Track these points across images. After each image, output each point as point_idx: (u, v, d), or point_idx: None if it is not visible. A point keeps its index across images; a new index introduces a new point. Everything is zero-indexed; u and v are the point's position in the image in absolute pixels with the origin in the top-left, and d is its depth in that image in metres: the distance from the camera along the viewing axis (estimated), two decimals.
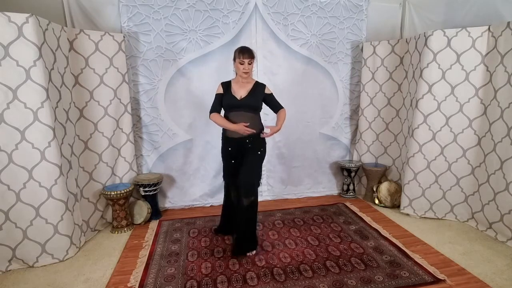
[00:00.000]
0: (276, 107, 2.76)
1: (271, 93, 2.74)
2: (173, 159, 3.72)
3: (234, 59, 2.60)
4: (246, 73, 2.57)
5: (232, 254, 2.70)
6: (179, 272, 2.49)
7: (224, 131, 2.70)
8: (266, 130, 2.67)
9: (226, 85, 2.68)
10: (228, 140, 2.67)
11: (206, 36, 3.52)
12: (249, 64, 2.55)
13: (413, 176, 3.41)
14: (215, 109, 2.69)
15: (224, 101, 2.63)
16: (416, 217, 3.46)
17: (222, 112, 2.74)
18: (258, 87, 2.68)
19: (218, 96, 2.69)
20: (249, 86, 2.65)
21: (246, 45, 2.74)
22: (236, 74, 2.68)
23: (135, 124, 3.55)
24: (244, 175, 2.60)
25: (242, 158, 2.66)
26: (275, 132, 2.64)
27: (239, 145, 2.64)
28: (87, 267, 2.59)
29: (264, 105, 2.77)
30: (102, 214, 3.31)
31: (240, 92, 2.61)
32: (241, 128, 2.53)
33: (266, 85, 2.76)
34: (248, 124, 2.56)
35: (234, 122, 2.58)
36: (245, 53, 2.54)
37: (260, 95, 2.67)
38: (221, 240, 2.99)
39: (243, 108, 2.59)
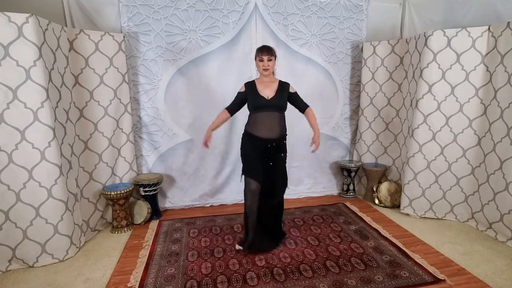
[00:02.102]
0: (301, 105, 2.76)
1: (295, 92, 2.73)
2: (173, 159, 3.72)
3: (255, 58, 2.61)
4: (266, 70, 2.57)
5: (277, 243, 2.84)
6: (179, 272, 2.49)
7: (251, 130, 2.64)
8: (312, 147, 2.77)
9: (250, 85, 2.66)
10: (256, 139, 2.62)
11: (206, 36, 3.52)
12: (268, 61, 2.55)
13: (413, 176, 3.41)
14: (230, 105, 2.71)
15: (251, 102, 2.62)
16: (416, 217, 3.46)
17: (241, 111, 2.75)
18: (284, 86, 2.68)
19: (239, 94, 2.68)
20: (275, 86, 2.64)
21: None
22: (260, 74, 2.68)
23: (135, 124, 3.55)
24: (280, 180, 2.71)
25: (269, 160, 2.65)
26: (318, 138, 2.77)
27: (267, 145, 2.61)
28: (87, 267, 2.59)
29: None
30: (102, 214, 3.31)
31: (266, 91, 2.60)
32: (203, 141, 2.68)
33: (290, 83, 2.74)
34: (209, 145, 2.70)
35: (266, 123, 2.59)
36: (263, 50, 2.55)
37: (286, 94, 2.67)
38: (221, 240, 2.99)
39: (271, 108, 2.59)
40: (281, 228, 2.97)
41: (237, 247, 2.79)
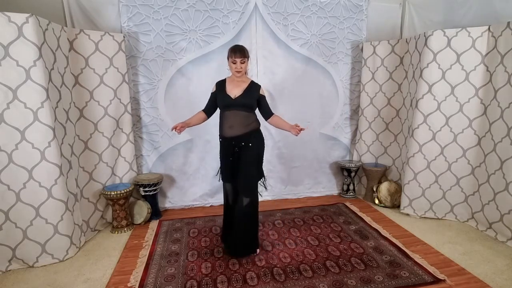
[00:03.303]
0: (267, 111, 2.70)
1: (264, 96, 2.71)
2: (173, 159, 3.72)
3: (228, 58, 2.58)
4: (238, 72, 2.55)
5: (231, 255, 2.68)
6: (179, 272, 2.49)
7: (220, 129, 2.67)
8: (297, 129, 2.50)
9: (220, 84, 2.66)
10: (224, 139, 2.65)
11: (206, 36, 3.53)
12: (241, 63, 2.52)
13: (413, 176, 3.41)
14: (205, 107, 2.73)
15: (219, 101, 2.62)
16: (416, 217, 3.46)
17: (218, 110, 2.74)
18: (253, 86, 2.66)
19: (211, 95, 2.71)
20: (244, 85, 2.62)
21: (244, 45, 2.70)
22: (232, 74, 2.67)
23: (135, 124, 3.55)
24: (243, 173, 2.60)
25: (240, 158, 2.63)
26: (297, 129, 2.49)
27: (234, 143, 2.61)
28: (87, 267, 2.59)
29: None
30: (102, 214, 3.31)
31: (235, 91, 2.59)
32: (174, 125, 2.52)
33: (262, 86, 2.73)
34: (179, 127, 2.51)
35: (229, 121, 2.58)
36: (236, 52, 2.51)
37: (255, 94, 2.63)
38: (221, 240, 2.99)
39: (237, 107, 2.57)
40: (254, 239, 2.73)
41: None
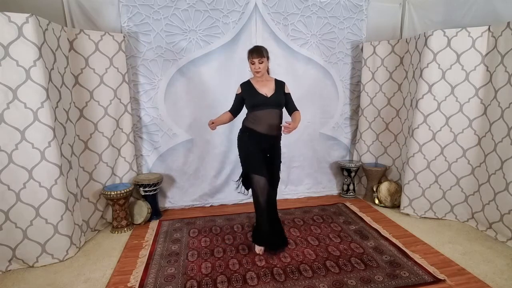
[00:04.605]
0: (292, 107, 2.76)
1: (289, 93, 2.75)
2: (173, 159, 3.72)
3: (248, 60, 2.62)
4: (257, 72, 2.58)
5: (283, 247, 2.78)
6: (179, 272, 2.49)
7: (252, 126, 2.62)
8: (284, 124, 2.52)
9: (247, 85, 2.67)
10: (259, 134, 2.61)
11: (206, 36, 3.53)
12: (260, 63, 2.56)
13: (413, 176, 3.41)
14: (231, 108, 2.76)
15: (251, 100, 2.62)
16: (416, 217, 3.46)
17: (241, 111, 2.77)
18: (280, 84, 2.70)
19: (237, 97, 2.71)
20: (272, 84, 2.66)
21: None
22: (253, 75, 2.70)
23: (135, 124, 3.55)
24: (276, 168, 2.75)
25: (269, 154, 2.67)
26: (293, 129, 2.52)
27: (268, 141, 2.64)
28: (87, 267, 2.59)
29: None
30: (102, 214, 3.31)
31: (265, 90, 2.62)
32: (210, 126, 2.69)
33: (285, 83, 2.76)
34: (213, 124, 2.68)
35: (263, 120, 2.60)
36: (253, 53, 2.56)
37: (283, 92, 2.69)
38: (221, 240, 2.99)
39: (271, 106, 2.60)
40: (283, 228, 2.92)
41: (257, 248, 2.75)
